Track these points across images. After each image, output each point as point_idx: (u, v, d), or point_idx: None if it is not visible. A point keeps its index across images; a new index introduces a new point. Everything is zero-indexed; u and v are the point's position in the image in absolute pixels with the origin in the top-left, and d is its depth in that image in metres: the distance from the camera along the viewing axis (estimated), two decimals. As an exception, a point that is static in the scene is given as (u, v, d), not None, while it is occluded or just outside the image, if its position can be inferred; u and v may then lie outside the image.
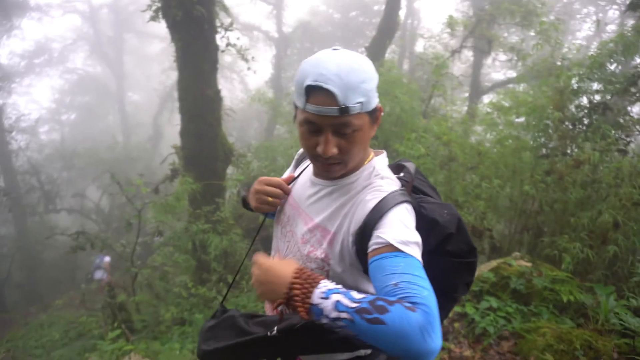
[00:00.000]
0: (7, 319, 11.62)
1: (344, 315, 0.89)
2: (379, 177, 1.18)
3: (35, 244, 14.46)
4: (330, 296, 0.92)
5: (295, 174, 1.42)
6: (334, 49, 1.08)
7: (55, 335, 7.85)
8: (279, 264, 1.04)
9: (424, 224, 1.14)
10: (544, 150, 5.02)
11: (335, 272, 1.16)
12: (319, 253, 1.16)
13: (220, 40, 6.77)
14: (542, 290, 3.50)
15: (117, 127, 25.30)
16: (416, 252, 1.00)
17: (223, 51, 6.98)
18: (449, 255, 1.21)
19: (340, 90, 0.99)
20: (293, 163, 1.51)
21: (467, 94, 13.30)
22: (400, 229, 1.02)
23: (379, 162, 1.24)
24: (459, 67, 15.87)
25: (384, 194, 1.10)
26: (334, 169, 1.13)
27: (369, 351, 1.23)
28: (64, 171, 18.59)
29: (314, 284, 0.96)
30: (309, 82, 1.02)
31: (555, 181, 4.53)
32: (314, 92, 1.02)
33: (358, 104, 1.02)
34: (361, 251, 1.09)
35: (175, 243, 5.57)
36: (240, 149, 8.40)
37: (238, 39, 7.68)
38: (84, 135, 23.63)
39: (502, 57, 12.51)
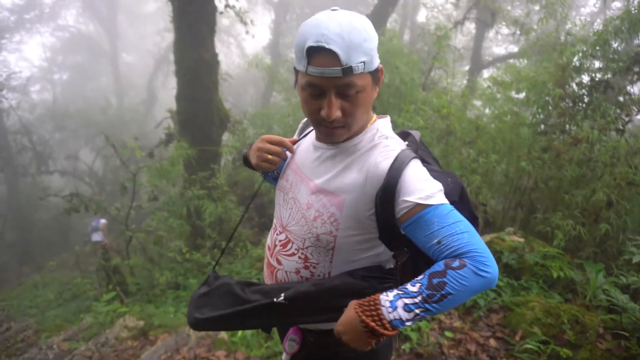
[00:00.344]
0: (0, 278, 11.69)
1: (417, 311, 0.96)
2: (383, 137, 1.16)
3: (28, 205, 14.42)
4: (396, 305, 0.97)
5: (299, 143, 1.38)
6: (333, 9, 1.04)
7: (49, 296, 7.93)
8: (344, 316, 1.05)
9: None
10: (542, 127, 5.01)
11: (343, 236, 1.13)
12: (326, 217, 1.13)
13: (218, 1, 6.57)
14: (533, 266, 3.56)
15: (110, 88, 24.82)
16: (442, 199, 1.04)
17: (221, 13, 6.79)
18: None
19: (343, 50, 0.97)
20: (297, 133, 1.47)
21: (467, 68, 13.13)
22: (421, 184, 1.04)
23: (383, 124, 1.21)
24: (460, 39, 15.62)
25: (395, 153, 1.09)
26: (338, 132, 1.10)
27: None
28: (56, 132, 18.32)
29: (377, 306, 0.99)
30: (310, 43, 0.98)
31: (551, 158, 4.54)
32: (315, 53, 0.99)
33: (361, 64, 1.00)
34: (382, 216, 1.07)
35: (170, 208, 5.55)
36: (237, 115, 8.30)
37: (237, 0, 7.46)
38: (76, 96, 23.15)
39: (505, 30, 12.30)
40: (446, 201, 1.04)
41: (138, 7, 28.61)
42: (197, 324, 1.25)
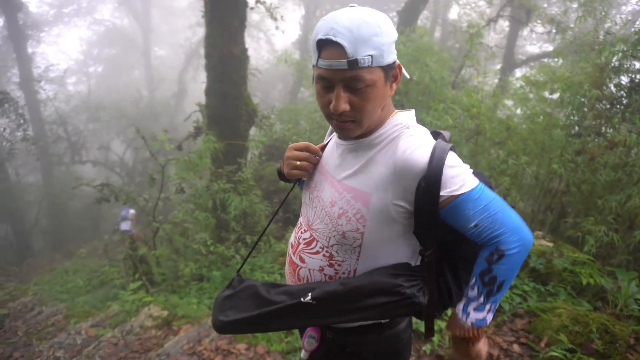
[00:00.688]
0: (34, 263, 12.16)
1: (487, 307, 1.12)
2: (405, 127, 1.14)
3: (61, 193, 14.92)
4: (468, 310, 1.14)
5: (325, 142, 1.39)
6: (351, 6, 1.05)
7: (79, 282, 8.20)
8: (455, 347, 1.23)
9: None
10: (576, 129, 4.85)
11: (370, 232, 1.12)
12: (351, 214, 1.12)
13: (249, -4, 6.61)
14: (562, 271, 3.45)
15: (142, 81, 25.42)
16: (473, 181, 1.08)
17: (252, 8, 6.83)
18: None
19: (349, 42, 0.97)
20: (326, 135, 1.47)
21: (499, 66, 12.84)
22: (459, 173, 1.06)
23: (404, 116, 1.17)
24: (493, 37, 15.27)
25: (426, 142, 1.08)
26: (347, 127, 1.08)
27: (387, 320, 1.24)
28: (89, 123, 18.89)
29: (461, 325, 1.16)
30: (319, 36, 1.00)
31: (585, 162, 4.39)
32: (325, 46, 1.01)
33: (368, 57, 0.98)
34: (423, 207, 1.07)
35: (196, 201, 5.63)
36: (264, 110, 8.36)
37: (268, -4, 7.48)
38: (109, 88, 23.87)
39: (540, 29, 11.93)
40: (476, 182, 1.08)
41: (171, 2, 29.16)
42: (223, 327, 1.23)
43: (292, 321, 1.18)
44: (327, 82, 1.04)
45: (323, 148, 1.35)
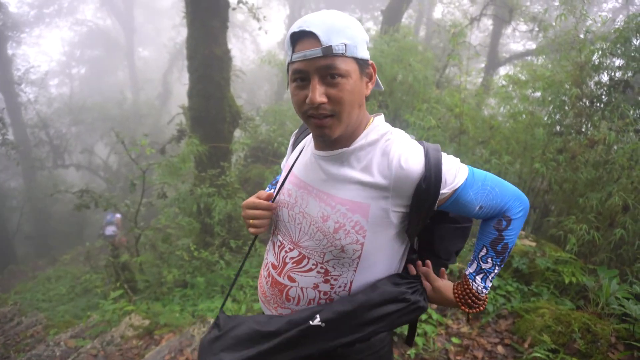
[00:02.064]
0: (16, 270, 11.94)
1: (496, 271, 1.20)
2: (389, 133, 1.13)
3: (44, 197, 14.66)
4: (486, 284, 1.21)
5: (293, 156, 1.34)
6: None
7: (61, 290, 8.04)
8: (444, 300, 1.27)
9: None
10: (558, 128, 4.88)
11: (370, 241, 1.10)
12: (350, 227, 1.09)
13: (231, -3, 6.55)
14: (545, 271, 3.47)
15: (126, 82, 25.12)
16: (463, 168, 1.11)
17: (234, 9, 6.76)
18: (448, 222, 1.28)
19: (323, 31, 0.98)
20: (289, 147, 1.44)
21: (483, 65, 12.93)
22: (454, 169, 1.10)
23: (381, 121, 1.17)
24: (477, 35, 15.41)
25: (418, 146, 1.10)
26: (327, 123, 1.04)
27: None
28: (72, 126, 18.59)
29: (474, 294, 1.22)
30: (293, 30, 1.01)
31: (566, 160, 4.43)
32: (298, 39, 1.01)
33: (341, 45, 0.98)
34: (421, 208, 1.09)
35: (180, 205, 5.55)
36: (249, 111, 8.29)
37: (252, -4, 7.42)
38: (93, 90, 23.51)
39: (523, 27, 12.05)
40: (466, 168, 1.12)
41: (154, 2, 28.86)
42: None
43: (299, 350, 1.09)
44: (302, 75, 1.01)
45: (272, 197, 1.29)
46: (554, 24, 6.88)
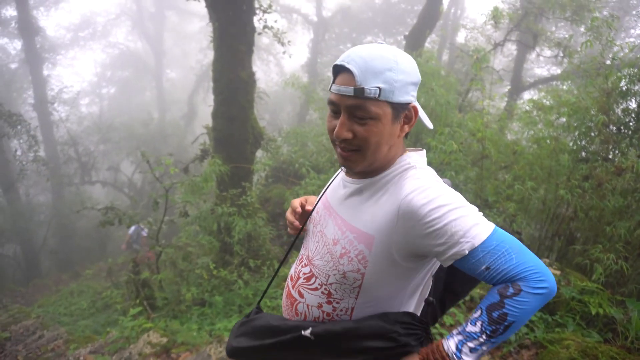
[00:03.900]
0: (41, 284, 12.17)
1: (483, 348, 0.97)
2: (412, 168, 1.10)
3: (70, 213, 15.01)
4: (462, 352, 0.97)
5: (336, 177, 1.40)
6: (379, 43, 1.07)
7: (83, 304, 8.18)
8: None
9: None
10: (583, 154, 4.79)
11: (372, 273, 1.09)
12: (353, 255, 1.09)
13: (257, 22, 6.73)
14: (570, 300, 3.36)
15: (153, 103, 25.83)
16: (482, 229, 0.98)
17: (260, 33, 6.94)
18: None
19: (360, 70, 0.99)
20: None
21: (507, 89, 12.85)
22: (462, 219, 0.99)
23: (414, 157, 1.14)
24: (501, 60, 15.36)
25: (432, 192, 1.00)
26: (351, 157, 1.08)
27: None
28: (100, 144, 19.14)
29: (444, 358, 1.00)
30: (337, 62, 1.04)
31: (593, 187, 4.32)
32: (339, 72, 1.04)
33: (375, 89, 0.99)
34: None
35: (201, 224, 5.62)
36: (272, 132, 8.41)
37: (276, 21, 7.61)
38: (121, 110, 24.27)
39: (547, 52, 11.97)
40: (492, 226, 1.00)
41: (184, 26, 29.84)
42: (233, 353, 1.25)
43: (289, 355, 1.17)
44: (335, 107, 1.06)
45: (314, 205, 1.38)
46: (579, 49, 6.85)
